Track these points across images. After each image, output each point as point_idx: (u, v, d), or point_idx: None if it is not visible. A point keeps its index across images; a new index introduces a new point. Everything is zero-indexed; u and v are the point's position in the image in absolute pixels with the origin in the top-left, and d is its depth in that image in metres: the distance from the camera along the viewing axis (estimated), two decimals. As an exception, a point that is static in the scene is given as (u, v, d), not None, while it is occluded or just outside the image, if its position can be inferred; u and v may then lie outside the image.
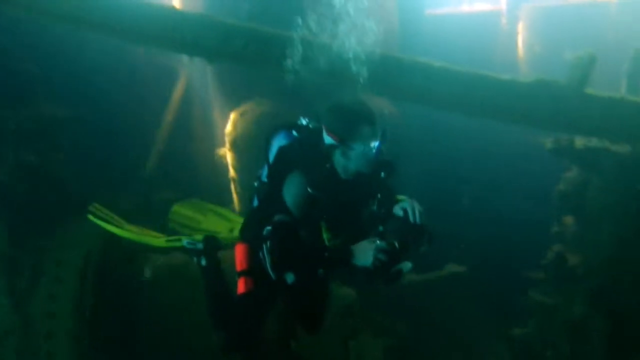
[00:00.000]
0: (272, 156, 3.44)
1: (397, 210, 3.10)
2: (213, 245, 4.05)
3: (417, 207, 3.07)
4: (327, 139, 3.19)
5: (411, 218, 3.04)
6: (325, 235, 3.31)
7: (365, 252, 2.98)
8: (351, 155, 3.17)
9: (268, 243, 3.16)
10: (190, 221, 4.62)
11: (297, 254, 3.16)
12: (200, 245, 4.04)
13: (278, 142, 3.46)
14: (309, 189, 3.16)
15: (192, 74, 8.63)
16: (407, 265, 2.98)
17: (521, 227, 8.18)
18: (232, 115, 7.95)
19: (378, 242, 3.00)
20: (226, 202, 8.27)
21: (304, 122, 3.55)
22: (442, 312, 7.54)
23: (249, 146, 7.65)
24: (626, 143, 5.76)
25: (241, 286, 3.51)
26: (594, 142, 5.96)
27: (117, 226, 4.54)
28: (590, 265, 6.23)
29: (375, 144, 3.12)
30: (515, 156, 8.74)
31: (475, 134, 8.42)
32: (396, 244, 2.99)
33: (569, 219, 6.82)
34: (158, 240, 4.35)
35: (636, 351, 5.74)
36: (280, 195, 3.21)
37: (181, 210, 4.72)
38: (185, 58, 7.44)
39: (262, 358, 6.14)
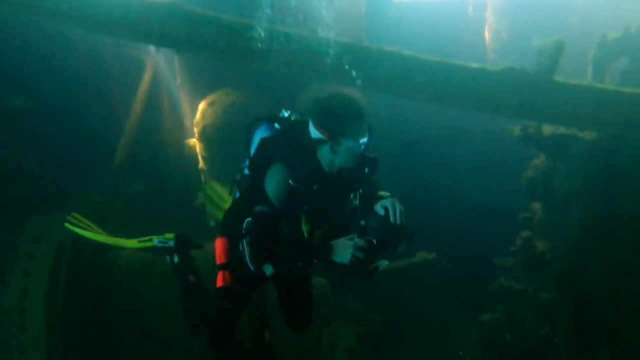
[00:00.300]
0: (253, 148, 3.39)
1: (378, 208, 3.06)
2: (184, 242, 3.95)
3: (399, 207, 3.03)
4: (315, 133, 3.16)
5: (392, 218, 3.00)
6: (304, 228, 3.29)
7: (344, 249, 3.01)
8: (339, 150, 3.15)
9: (248, 235, 3.17)
10: (218, 199, 4.71)
11: (276, 245, 3.15)
12: (171, 243, 3.93)
13: (260, 134, 3.41)
14: (290, 182, 3.13)
15: (160, 64, 8.47)
16: (383, 263, 3.02)
17: (491, 213, 8.30)
18: (201, 105, 7.86)
19: (356, 239, 3.01)
20: (196, 193, 8.20)
21: (285, 114, 3.47)
22: (414, 298, 7.62)
23: (218, 136, 7.59)
24: (593, 130, 5.84)
25: (220, 280, 3.46)
26: (562, 129, 6.04)
27: (90, 231, 4.42)
28: (557, 250, 6.34)
29: (363, 140, 3.11)
30: (484, 144, 8.82)
31: (444, 123, 8.48)
32: (374, 242, 3.00)
33: (536, 206, 6.92)
34: (130, 242, 4.22)
35: (601, 334, 5.87)
36: (261, 187, 3.19)
37: (214, 186, 4.80)
38: (152, 48, 7.34)
39: (237, 350, 6.14)
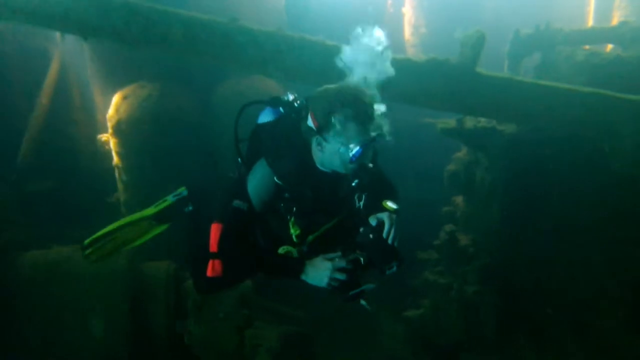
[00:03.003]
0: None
1: (372, 220, 2.78)
2: (197, 189, 3.99)
3: (395, 225, 2.76)
4: (309, 121, 2.84)
5: (384, 235, 2.72)
6: (292, 231, 2.99)
7: (319, 272, 2.76)
8: (325, 148, 2.85)
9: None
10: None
11: (238, 248, 2.95)
12: (184, 193, 3.97)
13: (260, 119, 3.18)
14: (275, 179, 2.88)
15: (68, 54, 7.93)
16: (368, 286, 2.74)
17: (414, 207, 8.32)
18: (115, 99, 7.42)
19: (337, 260, 2.74)
20: (110, 190, 7.76)
21: (290, 97, 3.16)
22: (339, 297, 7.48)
23: (134, 130, 7.17)
24: (515, 123, 5.93)
25: (209, 269, 3.22)
26: (483, 122, 6.11)
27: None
28: (480, 244, 6.42)
29: (356, 147, 2.74)
30: (405, 136, 8.85)
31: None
32: (361, 261, 2.72)
33: (459, 199, 6.99)
34: (147, 211, 4.06)
35: (524, 325, 5.98)
36: (245, 180, 2.98)
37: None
38: (57, 36, 6.87)
39: (153, 351, 5.84)
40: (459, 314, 6.03)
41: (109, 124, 7.39)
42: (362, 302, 2.80)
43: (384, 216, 2.79)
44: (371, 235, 2.71)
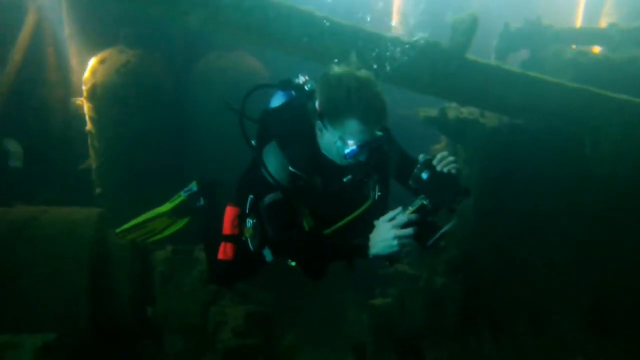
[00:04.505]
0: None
1: (420, 169, 2.55)
2: (207, 184, 3.94)
3: (448, 157, 2.57)
4: (316, 104, 2.70)
5: (439, 168, 2.51)
6: (306, 224, 2.84)
7: (385, 240, 2.47)
8: (325, 135, 2.70)
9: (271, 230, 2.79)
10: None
11: (307, 250, 2.77)
12: (194, 188, 3.93)
13: (271, 103, 3.07)
14: (290, 168, 2.72)
15: (44, 9, 7.61)
16: (447, 227, 2.45)
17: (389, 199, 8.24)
18: (91, 62, 7.19)
19: (398, 217, 2.44)
20: (82, 156, 7.52)
21: (300, 79, 3.06)
22: (306, 281, 7.39)
23: (110, 97, 6.98)
24: (499, 113, 5.85)
25: (221, 251, 3.20)
26: (465, 113, 6.03)
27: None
28: (452, 236, 6.36)
29: (353, 145, 2.60)
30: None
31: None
32: (426, 204, 2.46)
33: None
34: (164, 206, 4.01)
35: (485, 318, 5.95)
36: (260, 169, 2.78)
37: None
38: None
39: (116, 325, 5.68)
40: (425, 305, 5.97)
41: (84, 88, 7.16)
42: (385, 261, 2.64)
43: (427, 156, 2.59)
44: (424, 175, 2.52)
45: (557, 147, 5.59)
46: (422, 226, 2.44)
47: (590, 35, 7.30)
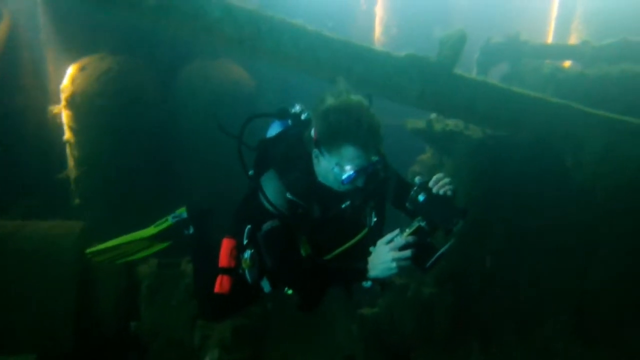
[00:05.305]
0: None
1: (415, 191, 2.56)
2: (197, 211, 3.81)
3: (444, 178, 2.59)
4: (312, 132, 2.74)
5: (435, 190, 2.52)
6: (303, 251, 2.84)
7: (384, 262, 2.50)
8: (321, 162, 2.73)
9: (274, 265, 2.81)
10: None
11: (298, 267, 2.77)
12: (184, 214, 3.80)
13: (268, 133, 3.10)
14: (288, 195, 2.73)
15: (19, 14, 7.42)
16: (445, 248, 2.46)
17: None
18: (70, 70, 7.02)
19: (396, 239, 2.48)
20: (60, 167, 7.35)
21: (297, 109, 3.08)
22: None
23: (91, 105, 6.82)
24: (485, 127, 5.97)
25: (217, 284, 3.11)
26: (451, 125, 6.14)
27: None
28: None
29: (350, 170, 2.62)
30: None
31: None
32: (423, 226, 2.48)
33: (422, 201, 6.98)
34: (148, 230, 3.87)
35: (475, 328, 6.04)
36: (259, 197, 2.79)
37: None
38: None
39: (100, 341, 5.56)
40: (413, 314, 6.02)
41: (63, 96, 6.98)
42: (366, 284, 2.66)
43: (423, 178, 2.62)
44: (420, 198, 2.53)
45: (539, 158, 5.73)
46: (420, 248, 2.48)
47: (564, 51, 7.67)
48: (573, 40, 9.98)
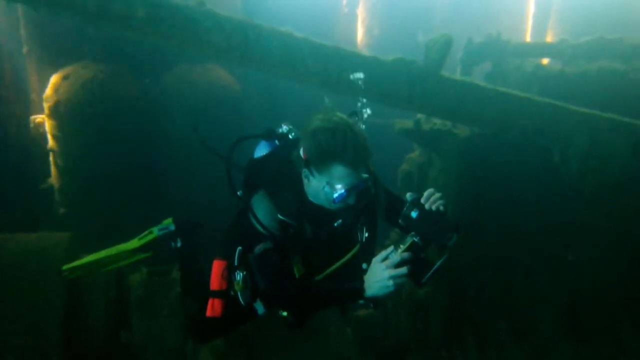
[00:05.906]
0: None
1: (408, 208, 2.58)
2: (185, 224, 3.71)
3: (435, 194, 2.61)
4: (301, 152, 2.73)
5: (427, 206, 2.54)
6: (296, 271, 2.80)
7: (380, 280, 2.50)
8: (311, 182, 2.72)
9: (264, 285, 2.77)
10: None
11: (302, 299, 2.73)
12: (172, 227, 3.69)
13: (256, 154, 3.06)
14: (279, 215, 2.71)
15: (0, 26, 7.31)
16: (439, 263, 2.49)
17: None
18: (53, 79, 6.95)
19: (391, 256, 2.49)
20: (40, 176, 7.25)
21: (284, 129, 3.06)
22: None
23: (74, 114, 6.76)
24: (475, 126, 6.03)
25: (209, 308, 3.04)
26: (438, 124, 6.19)
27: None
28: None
29: (341, 189, 2.63)
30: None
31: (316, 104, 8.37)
32: (417, 241, 2.50)
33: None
34: (131, 243, 3.77)
35: (470, 328, 6.10)
36: (249, 217, 2.76)
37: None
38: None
39: (91, 353, 5.48)
40: (408, 316, 6.06)
41: (46, 105, 6.91)
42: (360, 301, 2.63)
43: (415, 194, 2.63)
44: (413, 214, 2.54)
45: (528, 155, 5.81)
46: (416, 264, 2.50)
47: (544, 49, 7.84)
48: (550, 37, 10.17)
